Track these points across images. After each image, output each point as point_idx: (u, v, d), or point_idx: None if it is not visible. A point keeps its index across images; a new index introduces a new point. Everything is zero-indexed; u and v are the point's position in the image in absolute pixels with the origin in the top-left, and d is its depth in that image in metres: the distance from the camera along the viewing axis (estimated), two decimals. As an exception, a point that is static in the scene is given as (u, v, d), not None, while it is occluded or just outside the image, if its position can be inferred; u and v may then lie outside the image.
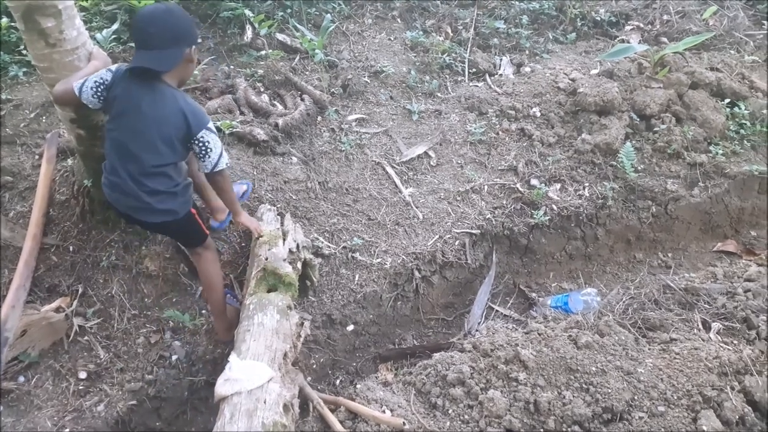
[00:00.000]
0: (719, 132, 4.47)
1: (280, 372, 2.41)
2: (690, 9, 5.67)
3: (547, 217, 3.99)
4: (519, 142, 4.47)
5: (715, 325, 3.07)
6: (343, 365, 3.52)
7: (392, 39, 5.35)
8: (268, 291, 2.82)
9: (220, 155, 2.56)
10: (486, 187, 4.16)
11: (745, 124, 4.54)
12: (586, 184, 4.20)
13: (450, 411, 2.64)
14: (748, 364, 2.73)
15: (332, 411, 2.64)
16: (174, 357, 3.08)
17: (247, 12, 4.71)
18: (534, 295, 3.94)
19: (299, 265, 3.12)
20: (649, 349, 2.93)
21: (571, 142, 4.44)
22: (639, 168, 4.25)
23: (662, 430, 2.49)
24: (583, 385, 2.66)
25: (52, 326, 2.96)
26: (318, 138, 4.31)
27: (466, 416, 2.60)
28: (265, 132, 4.00)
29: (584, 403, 2.58)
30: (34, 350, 2.93)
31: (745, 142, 4.52)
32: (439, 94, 4.89)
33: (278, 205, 3.67)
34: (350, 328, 3.55)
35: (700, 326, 3.10)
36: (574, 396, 2.61)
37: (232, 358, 2.40)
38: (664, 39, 5.42)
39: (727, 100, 4.61)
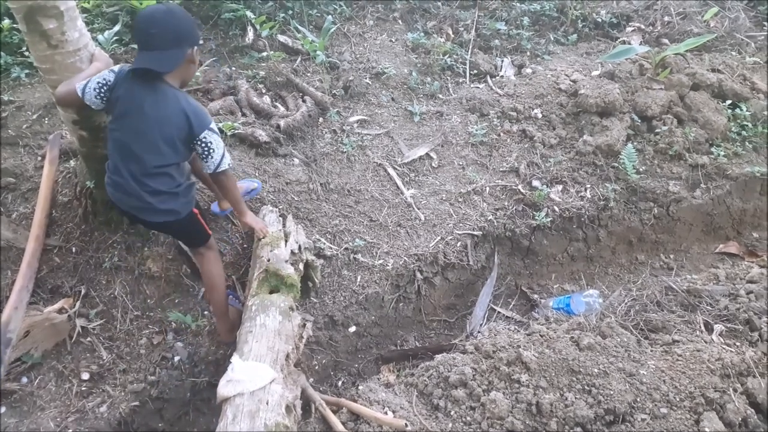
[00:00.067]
0: (721, 133, 4.47)
1: (282, 373, 2.41)
2: (691, 10, 5.67)
3: (548, 219, 3.99)
4: (520, 143, 4.47)
5: (718, 327, 3.07)
6: (345, 366, 3.52)
7: (393, 40, 5.36)
8: (270, 292, 2.82)
9: (223, 155, 2.57)
10: (487, 188, 4.17)
11: (747, 125, 4.54)
12: (588, 186, 4.20)
13: (452, 412, 2.64)
14: (751, 366, 2.73)
15: (334, 412, 2.64)
16: (176, 358, 3.08)
17: (249, 13, 4.72)
18: (536, 296, 3.94)
19: (301, 266, 3.12)
20: (651, 350, 2.93)
21: (572, 143, 4.45)
22: (640, 169, 4.25)
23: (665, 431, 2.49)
24: (586, 387, 2.66)
25: (55, 327, 2.97)
26: (319, 139, 4.31)
27: (468, 418, 2.60)
28: (266, 133, 4.01)
29: (586, 404, 2.58)
30: (37, 351, 2.94)
31: (747, 143, 4.52)
32: (440, 96, 4.90)
33: (280, 207, 3.67)
34: (352, 329, 3.55)
35: (703, 328, 3.10)
36: (576, 398, 2.61)
37: (235, 359, 2.40)
38: (666, 40, 5.42)
39: (729, 102, 4.61)
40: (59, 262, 3.22)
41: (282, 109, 4.41)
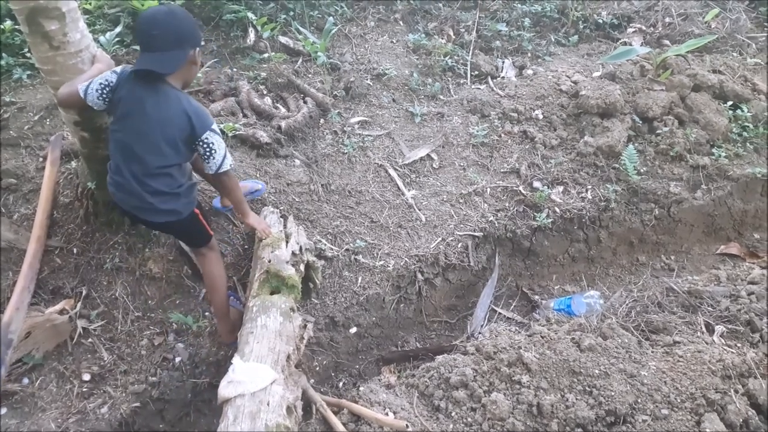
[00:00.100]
0: (722, 134, 4.47)
1: (283, 374, 2.41)
2: (692, 11, 5.67)
3: (549, 220, 3.99)
4: (521, 144, 4.48)
5: (719, 328, 3.07)
6: (346, 367, 3.52)
7: (394, 42, 5.36)
8: (271, 293, 2.83)
9: (224, 156, 2.59)
10: (488, 189, 4.17)
11: (748, 126, 4.54)
12: (589, 187, 4.20)
13: (453, 413, 2.64)
14: (752, 367, 2.73)
15: (335, 413, 2.64)
16: (177, 359, 3.08)
17: (250, 15, 4.73)
18: (537, 297, 3.94)
19: (302, 267, 3.12)
20: (652, 351, 2.93)
21: (573, 144, 4.45)
22: (641, 170, 4.25)
23: (666, 433, 2.49)
24: (586, 388, 2.66)
25: (56, 328, 2.97)
26: (321, 140, 4.31)
27: (469, 419, 2.60)
28: (267, 134, 4.01)
29: (587, 405, 2.58)
30: (38, 352, 2.94)
31: (748, 144, 4.52)
32: (441, 97, 4.90)
33: (281, 208, 3.68)
34: (353, 330, 3.55)
35: (704, 329, 3.10)
36: (577, 399, 2.61)
37: (236, 360, 2.40)
38: (667, 41, 5.42)
39: (730, 103, 4.61)
40: (60, 263, 3.22)
41: (283, 110, 4.42)
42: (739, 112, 4.57)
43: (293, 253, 3.10)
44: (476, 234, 3.91)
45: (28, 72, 4.02)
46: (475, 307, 3.81)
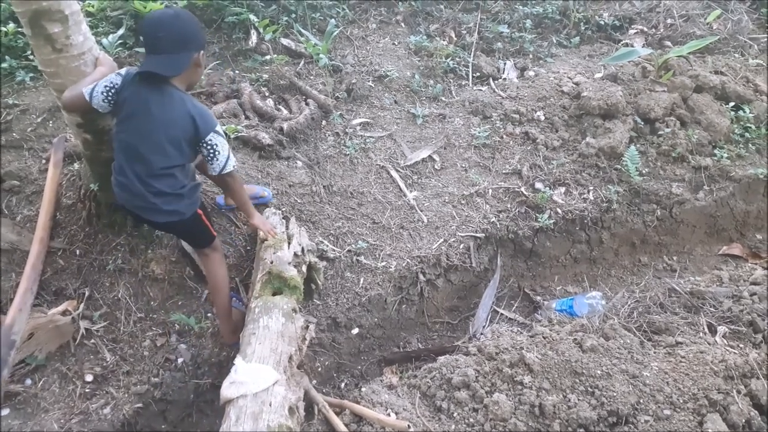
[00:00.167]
0: (724, 135, 4.47)
1: (285, 375, 2.41)
2: (694, 13, 5.67)
3: (551, 221, 3.99)
4: (523, 145, 4.48)
5: (721, 329, 3.06)
6: (348, 368, 3.53)
7: (396, 43, 5.37)
8: (274, 294, 2.83)
9: (228, 157, 2.60)
10: (490, 190, 4.17)
11: (750, 127, 4.54)
12: (591, 188, 4.20)
13: (455, 414, 2.64)
14: (754, 368, 2.72)
15: (337, 414, 2.64)
16: (180, 360, 3.09)
17: (252, 17, 4.74)
18: (539, 298, 3.94)
19: (304, 268, 3.13)
20: (654, 352, 2.92)
21: (575, 145, 4.45)
22: (643, 171, 4.25)
23: (668, 433, 2.48)
24: (589, 389, 2.66)
25: (58, 329, 2.98)
26: (323, 142, 4.32)
27: (471, 419, 2.60)
28: (270, 136, 4.02)
29: (589, 406, 2.58)
30: (41, 353, 2.95)
31: (750, 145, 4.51)
32: (443, 99, 4.90)
33: (283, 209, 3.69)
34: (355, 331, 3.55)
35: (706, 330, 3.10)
36: (579, 399, 2.61)
37: (238, 361, 2.40)
38: (668, 43, 5.42)
39: (732, 104, 4.61)
40: (63, 264, 3.23)
41: (285, 112, 4.43)
42: (741, 113, 4.57)
43: (295, 255, 3.10)
44: (478, 235, 3.91)
45: (31, 74, 4.04)
46: (477, 308, 3.81)
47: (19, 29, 3.99)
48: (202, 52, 2.55)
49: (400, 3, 5.76)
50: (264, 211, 3.52)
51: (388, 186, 4.16)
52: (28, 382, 2.89)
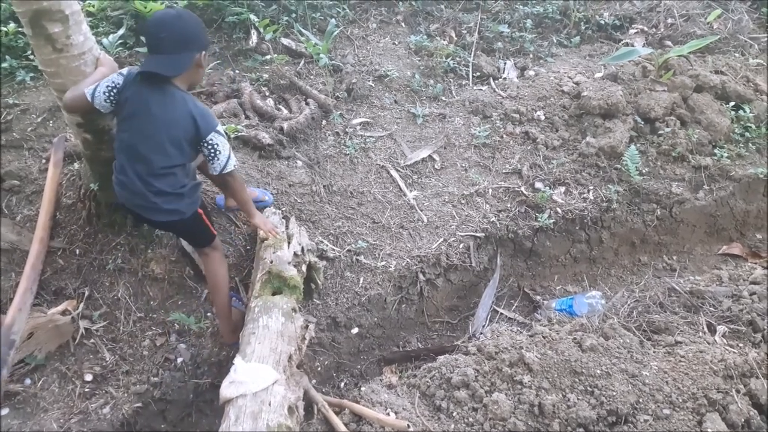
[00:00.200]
0: (724, 135, 4.47)
1: (284, 374, 2.41)
2: (694, 12, 5.67)
3: (551, 220, 3.99)
4: (523, 145, 4.48)
5: (721, 328, 3.06)
6: (348, 368, 3.53)
7: (396, 43, 5.37)
8: (273, 294, 2.83)
9: (229, 157, 2.61)
10: (490, 190, 4.17)
11: (750, 127, 4.53)
12: (591, 188, 4.20)
13: (454, 413, 2.64)
14: (754, 367, 2.72)
15: (337, 413, 2.64)
16: (179, 359, 3.09)
17: (252, 17, 4.74)
18: (538, 298, 3.94)
19: (304, 268, 3.13)
20: (654, 351, 2.92)
21: (575, 145, 4.45)
22: (643, 171, 4.25)
23: (667, 433, 2.48)
24: (588, 388, 2.66)
25: (58, 329, 2.98)
26: (323, 142, 4.32)
27: (471, 419, 2.60)
28: (270, 136, 4.02)
29: (589, 405, 2.58)
30: (40, 353, 2.95)
31: (750, 145, 4.51)
32: (443, 98, 4.90)
33: (283, 209, 3.69)
34: (355, 330, 3.55)
35: (706, 329, 3.09)
36: (578, 399, 2.61)
37: (237, 360, 2.40)
38: (669, 42, 5.42)
39: (732, 103, 4.60)
40: (63, 264, 3.23)
41: (285, 111, 4.43)
42: (741, 112, 4.57)
43: (295, 254, 3.10)
44: (478, 234, 3.91)
45: (31, 74, 4.04)
46: (477, 308, 3.81)
47: (20, 29, 3.99)
48: (203, 52, 2.55)
49: (400, 3, 5.76)
50: (264, 210, 3.52)
51: (388, 186, 4.16)
52: (28, 381, 2.89)
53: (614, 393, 2.60)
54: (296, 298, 2.88)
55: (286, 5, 5.16)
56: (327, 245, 3.64)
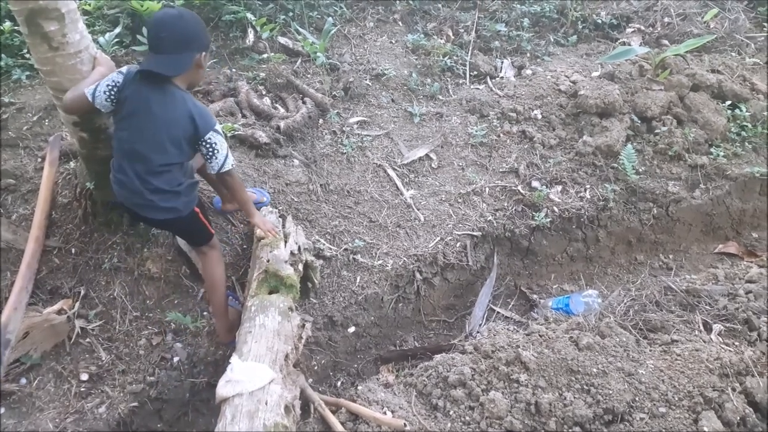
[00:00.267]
0: (720, 134, 4.48)
1: (281, 373, 2.41)
2: (691, 11, 5.68)
3: (548, 219, 3.99)
4: (520, 144, 4.48)
5: (716, 327, 3.07)
6: (345, 367, 3.53)
7: (393, 42, 5.37)
8: (270, 293, 2.83)
9: (226, 156, 2.62)
10: (487, 189, 4.17)
11: (746, 126, 4.55)
12: (588, 186, 4.20)
13: (451, 412, 2.64)
14: (749, 366, 2.73)
15: (333, 412, 2.64)
16: (175, 359, 3.09)
17: (249, 15, 4.74)
18: (535, 296, 3.95)
19: (301, 267, 3.12)
20: (650, 350, 2.93)
21: (572, 144, 4.45)
22: (640, 170, 4.26)
23: (663, 431, 2.49)
24: (584, 387, 2.66)
25: (54, 328, 2.97)
26: (319, 141, 4.32)
27: (467, 417, 2.60)
28: (266, 135, 4.01)
29: (585, 404, 2.58)
30: (36, 352, 2.94)
31: (747, 144, 4.52)
32: (440, 97, 4.90)
33: (280, 208, 3.68)
34: (351, 329, 3.55)
35: (701, 328, 3.10)
36: (575, 397, 2.61)
37: (234, 359, 2.40)
38: (665, 41, 5.43)
39: (728, 102, 4.62)
40: (59, 263, 3.22)
41: (282, 110, 4.42)
42: (737, 111, 4.58)
43: (292, 253, 3.10)
44: (475, 233, 3.91)
45: (27, 73, 4.03)
46: (474, 307, 3.81)
47: (16, 27, 3.98)
48: (204, 53, 2.55)
49: (397, 1, 5.75)
50: (261, 209, 3.51)
51: (384, 184, 4.16)
52: (23, 381, 2.88)
53: (610, 391, 2.61)
54: (293, 297, 2.88)
55: (283, 4, 5.16)
56: (324, 244, 3.64)
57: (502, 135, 4.53)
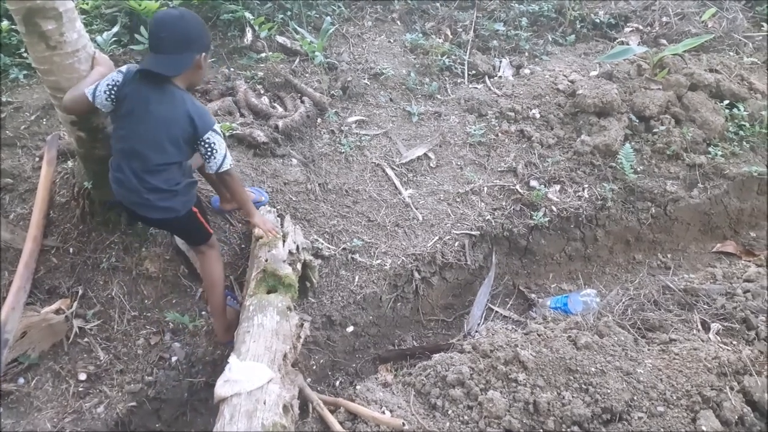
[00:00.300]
0: (718, 133, 4.48)
1: (279, 373, 2.41)
2: (689, 11, 5.68)
3: (546, 219, 3.99)
4: (518, 143, 4.48)
5: (715, 326, 3.07)
6: (343, 366, 3.53)
7: (392, 41, 5.36)
8: (268, 292, 2.83)
9: (225, 156, 2.63)
10: (485, 188, 4.17)
11: (744, 125, 4.55)
12: (586, 186, 4.20)
13: (449, 412, 2.64)
14: (747, 365, 2.73)
15: (332, 412, 2.64)
16: (174, 358, 3.08)
17: (248, 14, 4.73)
18: (533, 296, 3.95)
19: (299, 266, 3.12)
20: (648, 349, 2.93)
21: (570, 143, 4.45)
22: (638, 169, 4.26)
23: (661, 430, 2.49)
24: (583, 386, 2.66)
25: (52, 328, 2.96)
26: (318, 140, 4.32)
27: (466, 417, 2.60)
28: (265, 134, 4.01)
29: (583, 403, 2.58)
30: (34, 352, 2.93)
31: (744, 143, 4.52)
32: (438, 96, 4.90)
33: (278, 207, 3.68)
34: (350, 329, 3.55)
35: (700, 327, 3.11)
36: (573, 396, 2.62)
37: (232, 359, 2.40)
38: (664, 41, 5.43)
39: (726, 102, 4.62)
40: (57, 262, 3.22)
41: (280, 109, 4.42)
42: (735, 110, 4.58)
43: (290, 252, 3.10)
44: (473, 233, 3.91)
45: (25, 72, 4.03)
46: (472, 306, 3.81)
47: (13, 26, 3.97)
48: (204, 54, 2.56)
49: (395, 1, 5.75)
50: (259, 208, 3.51)
51: (383, 184, 4.16)
52: (21, 381, 2.87)
53: (609, 391, 2.61)
54: (291, 296, 2.88)
55: (282, 3, 5.15)
56: (322, 243, 3.64)
57: (500, 134, 4.53)
